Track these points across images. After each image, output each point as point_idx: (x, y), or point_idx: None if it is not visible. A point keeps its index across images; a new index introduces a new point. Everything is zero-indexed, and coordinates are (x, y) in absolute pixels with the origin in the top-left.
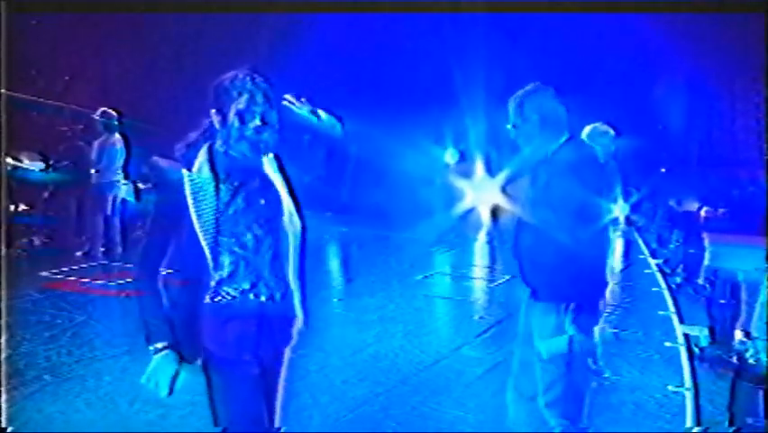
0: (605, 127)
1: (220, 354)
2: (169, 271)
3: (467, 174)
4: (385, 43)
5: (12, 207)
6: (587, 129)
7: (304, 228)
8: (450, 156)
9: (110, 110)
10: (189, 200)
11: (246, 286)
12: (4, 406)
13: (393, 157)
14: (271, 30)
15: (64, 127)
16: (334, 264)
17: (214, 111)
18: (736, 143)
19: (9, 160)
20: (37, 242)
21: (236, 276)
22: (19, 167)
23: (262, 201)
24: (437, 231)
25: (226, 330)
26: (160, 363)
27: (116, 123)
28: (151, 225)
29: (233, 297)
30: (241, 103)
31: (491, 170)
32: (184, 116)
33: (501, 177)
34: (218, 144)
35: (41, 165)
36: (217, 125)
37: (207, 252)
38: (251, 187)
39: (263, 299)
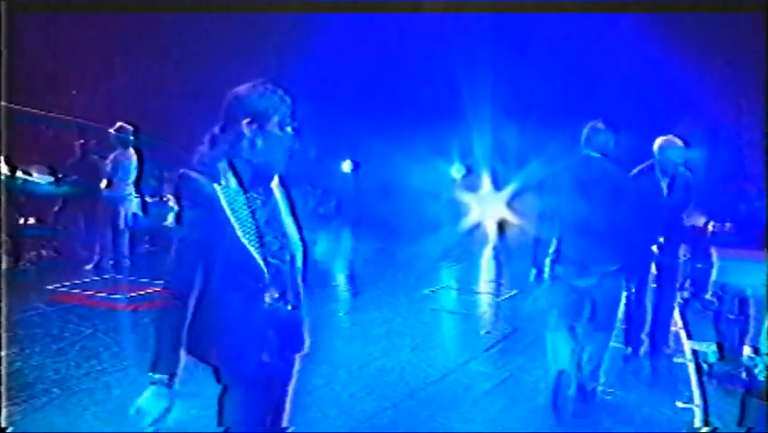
0: (675, 140)
1: (244, 355)
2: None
3: (473, 188)
4: (391, 57)
5: (21, 220)
6: (658, 141)
7: (305, 246)
8: (456, 170)
9: (126, 125)
10: (229, 212)
11: (276, 294)
12: (3, 413)
13: (400, 171)
14: (276, 36)
15: (77, 141)
16: (341, 278)
17: (246, 120)
18: (738, 151)
19: (19, 173)
20: (45, 255)
21: (273, 284)
22: (28, 180)
23: (282, 211)
24: (444, 245)
25: (259, 334)
26: (154, 397)
27: (131, 137)
28: (183, 244)
29: (270, 304)
30: (281, 113)
31: (498, 185)
32: (189, 124)
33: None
34: (243, 153)
35: (51, 178)
36: (249, 134)
37: (260, 259)
38: (273, 197)
39: (290, 307)
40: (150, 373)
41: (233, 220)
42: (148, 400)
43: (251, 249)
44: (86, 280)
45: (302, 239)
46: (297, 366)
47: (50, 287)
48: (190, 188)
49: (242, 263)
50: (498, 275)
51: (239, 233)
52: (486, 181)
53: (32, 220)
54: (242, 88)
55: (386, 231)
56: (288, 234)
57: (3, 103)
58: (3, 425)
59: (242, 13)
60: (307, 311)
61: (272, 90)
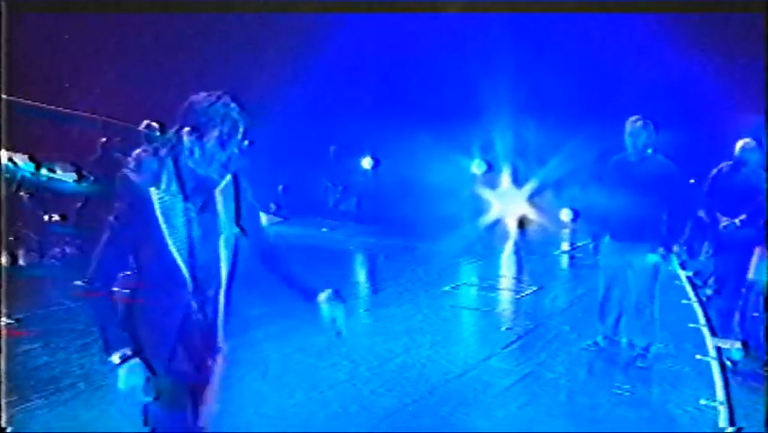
0: (753, 142)
1: (161, 354)
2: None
3: (494, 185)
4: (412, 55)
5: (45, 217)
6: (740, 144)
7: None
8: (477, 167)
9: (153, 123)
10: (160, 219)
11: (196, 305)
12: (3, 408)
13: (420, 168)
14: (296, 35)
15: (99, 138)
16: (361, 275)
17: (187, 129)
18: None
19: (44, 171)
20: (69, 251)
21: (196, 292)
22: (52, 177)
23: (220, 220)
24: (464, 242)
25: (175, 336)
26: (127, 375)
27: (157, 135)
28: (112, 236)
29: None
30: (224, 129)
31: (518, 181)
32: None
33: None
34: (183, 160)
35: (74, 176)
36: (188, 143)
37: (184, 268)
38: (212, 208)
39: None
40: (112, 358)
41: (164, 227)
42: (122, 379)
43: (178, 258)
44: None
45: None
46: (216, 370)
47: (75, 282)
48: (127, 190)
49: (168, 269)
50: (519, 272)
51: (168, 240)
52: (506, 178)
53: (56, 217)
54: (197, 95)
55: (406, 227)
56: (219, 249)
57: (4, 97)
58: (3, 425)
59: (261, 13)
60: (226, 321)
61: (222, 103)
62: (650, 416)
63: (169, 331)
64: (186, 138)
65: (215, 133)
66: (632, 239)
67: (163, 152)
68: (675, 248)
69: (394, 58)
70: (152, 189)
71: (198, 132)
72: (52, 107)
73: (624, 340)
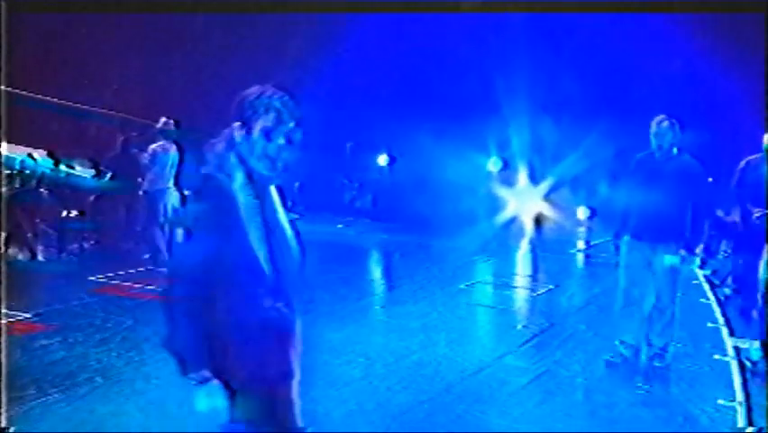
0: None
1: (246, 360)
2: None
3: (510, 182)
4: (429, 54)
5: (64, 213)
6: None
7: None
8: (493, 164)
9: (170, 120)
10: (245, 216)
11: (272, 301)
12: (4, 407)
13: (436, 165)
14: (312, 33)
15: (118, 135)
16: (377, 272)
17: (238, 124)
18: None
19: (63, 167)
20: (87, 246)
21: (273, 288)
22: (71, 173)
23: (279, 215)
24: (480, 240)
25: (258, 338)
26: (205, 397)
27: (173, 131)
28: (199, 240)
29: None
30: (268, 120)
31: (534, 179)
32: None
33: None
34: (237, 156)
35: (92, 172)
36: (239, 138)
37: (266, 266)
38: (267, 203)
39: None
40: (192, 376)
41: (247, 224)
42: (202, 401)
43: (260, 254)
44: (128, 271)
45: (299, 244)
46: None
47: (93, 278)
48: (214, 190)
49: (248, 267)
50: (535, 270)
51: (252, 236)
52: (522, 175)
53: (74, 212)
54: (247, 90)
55: (422, 225)
56: (287, 240)
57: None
58: (3, 425)
59: (279, 13)
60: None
61: (267, 95)
62: (667, 416)
63: (252, 335)
64: (236, 133)
65: (260, 125)
66: (653, 239)
67: (223, 147)
68: (698, 250)
69: (410, 56)
70: (235, 187)
71: (246, 125)
72: (73, 104)
73: (643, 342)
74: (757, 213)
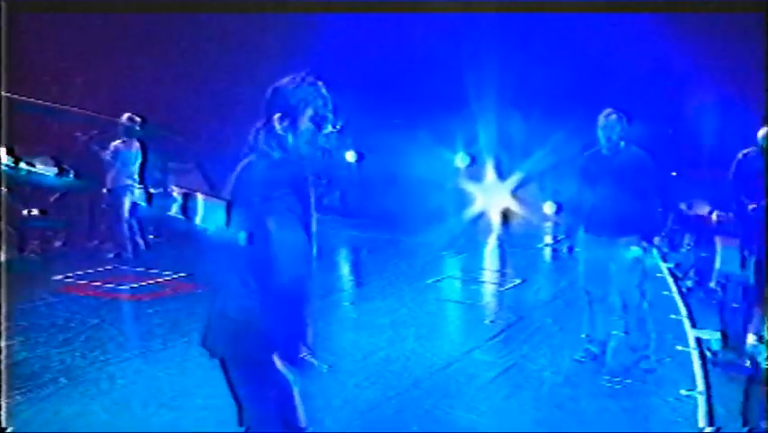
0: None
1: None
2: None
3: (477, 178)
4: (395, 50)
5: (25, 212)
6: (762, 131)
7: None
8: (460, 160)
9: (135, 116)
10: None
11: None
12: (3, 407)
13: (403, 161)
14: (279, 31)
15: (78, 132)
16: (345, 268)
17: (278, 115)
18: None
19: (23, 165)
20: (50, 246)
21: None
22: (32, 171)
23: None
24: (448, 235)
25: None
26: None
27: (137, 128)
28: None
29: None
30: (318, 108)
31: (502, 174)
32: (197, 119)
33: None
34: (275, 150)
35: (54, 170)
36: (280, 130)
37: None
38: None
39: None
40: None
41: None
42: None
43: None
44: (92, 270)
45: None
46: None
47: (56, 277)
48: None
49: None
50: (502, 264)
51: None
52: (490, 171)
53: (35, 211)
54: (280, 82)
55: (390, 221)
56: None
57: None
58: (3, 425)
59: (246, 13)
60: None
61: (309, 82)
62: (632, 407)
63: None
64: (277, 125)
65: (309, 112)
66: (609, 233)
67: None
68: (656, 240)
69: (377, 54)
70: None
71: (290, 116)
72: (34, 100)
73: (612, 344)
74: (752, 206)
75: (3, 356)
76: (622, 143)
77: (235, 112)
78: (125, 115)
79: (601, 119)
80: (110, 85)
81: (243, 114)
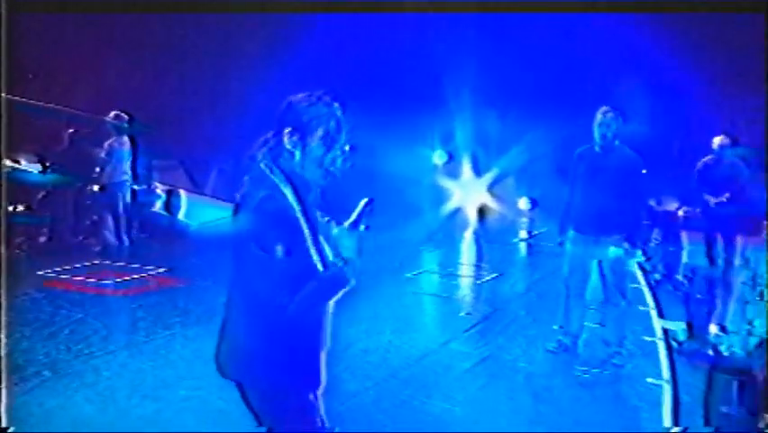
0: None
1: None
2: None
3: (455, 175)
4: (373, 49)
5: (10, 208)
6: (717, 140)
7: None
8: (438, 157)
9: (122, 113)
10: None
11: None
12: (4, 401)
13: (383, 159)
14: (260, 30)
15: (67, 130)
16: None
17: (288, 130)
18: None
19: (7, 162)
20: (36, 242)
21: None
22: (17, 168)
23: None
24: (425, 230)
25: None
26: None
27: (126, 125)
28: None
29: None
30: (329, 128)
31: (478, 171)
32: (181, 118)
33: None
34: (284, 163)
35: (39, 167)
36: (289, 144)
37: (319, 264)
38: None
39: None
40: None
41: (308, 237)
42: None
43: (315, 256)
44: (77, 266)
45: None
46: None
47: (41, 273)
48: (281, 217)
49: (310, 270)
50: (479, 258)
51: (308, 242)
52: (467, 168)
53: (20, 208)
54: (296, 96)
55: (369, 216)
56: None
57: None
58: (3, 425)
59: (233, 13)
60: None
61: (324, 103)
62: (601, 395)
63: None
64: (287, 139)
65: (320, 132)
66: (597, 232)
67: (265, 154)
68: (640, 242)
69: (356, 53)
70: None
71: (300, 132)
72: (17, 98)
73: (584, 336)
74: (724, 198)
75: (3, 355)
76: (617, 142)
77: (219, 111)
78: (112, 113)
79: (599, 116)
80: (96, 83)
81: (229, 113)
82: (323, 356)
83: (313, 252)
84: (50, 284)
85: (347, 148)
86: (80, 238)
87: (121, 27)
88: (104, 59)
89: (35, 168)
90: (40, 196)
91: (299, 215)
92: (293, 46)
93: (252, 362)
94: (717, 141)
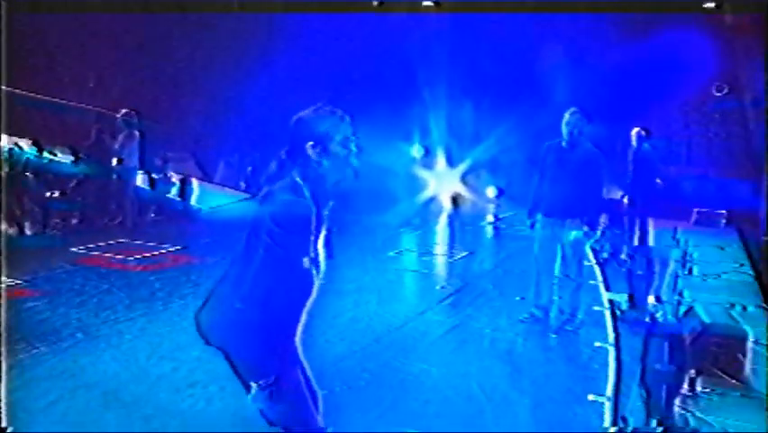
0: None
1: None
2: None
3: (431, 166)
4: (356, 52)
5: (47, 194)
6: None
7: None
8: (416, 151)
9: (130, 111)
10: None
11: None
12: (4, 407)
13: (367, 152)
14: (258, 41)
15: (93, 126)
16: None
17: (310, 143)
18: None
19: (46, 154)
20: (69, 223)
21: None
22: (54, 160)
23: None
24: (405, 215)
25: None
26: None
27: (135, 121)
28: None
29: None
30: (342, 131)
31: (452, 163)
32: (183, 115)
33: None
34: (311, 174)
35: (72, 157)
36: (314, 156)
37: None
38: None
39: None
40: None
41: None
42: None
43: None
44: (103, 244)
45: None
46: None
47: (73, 249)
48: (295, 214)
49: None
50: (452, 239)
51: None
52: (441, 160)
53: (56, 194)
54: (303, 113)
55: (356, 203)
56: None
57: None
58: (3, 425)
59: (226, 14)
60: None
61: (331, 112)
62: (555, 357)
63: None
64: (311, 152)
65: (339, 137)
66: (561, 216)
67: (290, 171)
68: (600, 225)
69: (340, 55)
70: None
71: (322, 144)
72: (55, 99)
73: (554, 308)
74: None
75: (3, 357)
76: (581, 139)
77: (225, 109)
78: (123, 111)
79: (567, 115)
80: (116, 84)
81: (232, 111)
82: (299, 330)
83: (314, 254)
84: (81, 260)
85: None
86: (106, 221)
87: (118, 24)
88: (122, 60)
89: (68, 159)
90: (72, 184)
91: (313, 219)
92: (283, 51)
93: (238, 332)
94: (635, 131)
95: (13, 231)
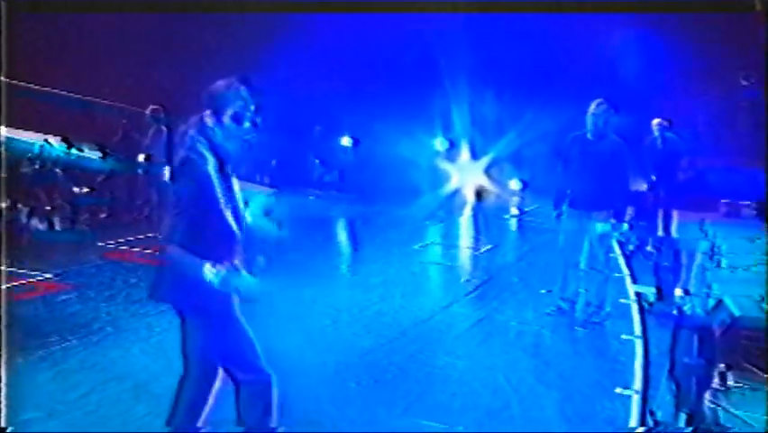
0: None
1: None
2: None
3: (455, 159)
4: (383, 49)
5: (76, 190)
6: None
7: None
8: (440, 144)
9: (158, 107)
10: (217, 191)
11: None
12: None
13: (392, 145)
14: (263, 26)
15: (121, 122)
16: (343, 236)
17: (209, 112)
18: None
19: (74, 151)
20: (98, 218)
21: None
22: (81, 155)
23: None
24: (430, 207)
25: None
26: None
27: (162, 116)
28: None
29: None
30: (237, 107)
31: (476, 155)
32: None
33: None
34: (211, 138)
35: (100, 154)
36: (210, 124)
37: (236, 228)
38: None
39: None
40: None
41: (220, 198)
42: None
43: (230, 219)
44: (131, 239)
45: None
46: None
47: (101, 244)
48: (197, 172)
49: (225, 230)
50: (477, 232)
51: (222, 205)
52: (465, 153)
53: (85, 190)
54: (214, 84)
55: (381, 196)
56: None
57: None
58: (2, 425)
59: (248, 13)
60: None
61: (233, 86)
62: (582, 349)
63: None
64: (208, 120)
65: (230, 111)
66: (588, 208)
67: (195, 132)
68: (627, 217)
69: (369, 53)
70: (209, 167)
71: (217, 114)
72: (80, 96)
73: (581, 300)
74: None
75: (3, 359)
76: (607, 131)
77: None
78: (150, 107)
79: (592, 106)
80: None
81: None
82: None
83: (228, 213)
84: (110, 255)
85: (258, 121)
86: (133, 216)
87: (118, 24)
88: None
89: (96, 155)
90: (100, 179)
91: (214, 178)
92: (311, 47)
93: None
94: (655, 123)
95: (42, 226)
